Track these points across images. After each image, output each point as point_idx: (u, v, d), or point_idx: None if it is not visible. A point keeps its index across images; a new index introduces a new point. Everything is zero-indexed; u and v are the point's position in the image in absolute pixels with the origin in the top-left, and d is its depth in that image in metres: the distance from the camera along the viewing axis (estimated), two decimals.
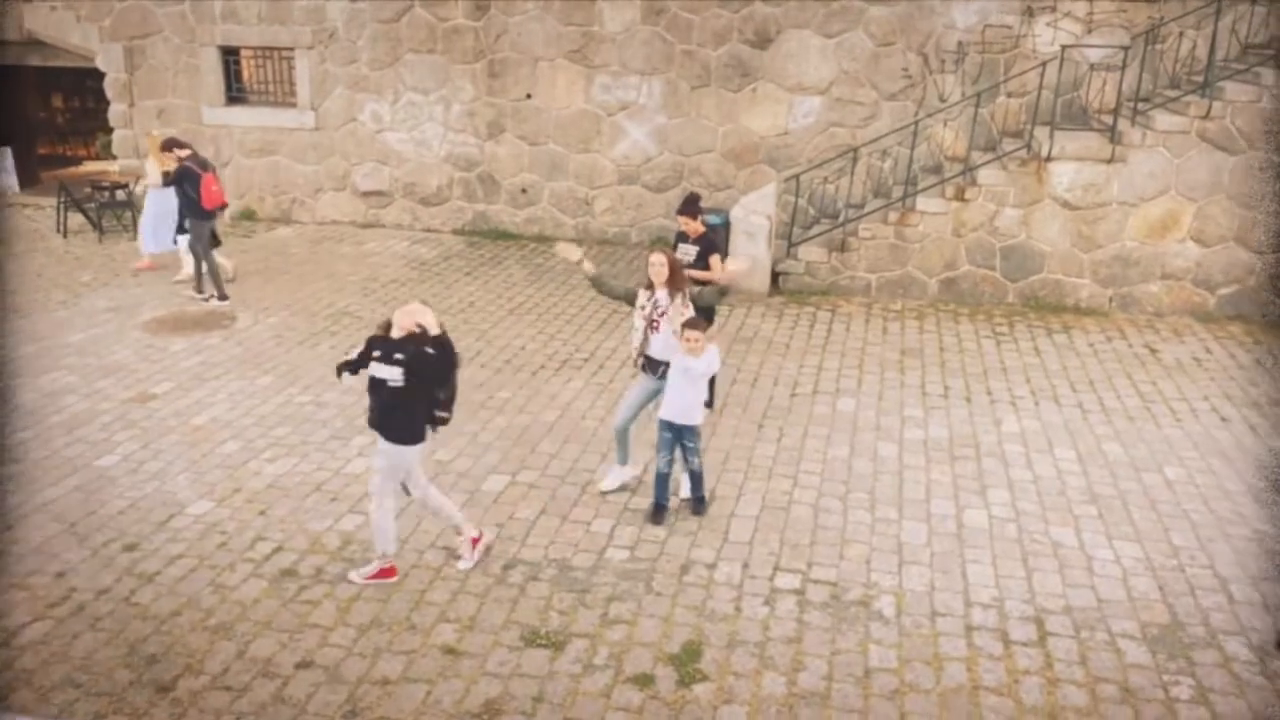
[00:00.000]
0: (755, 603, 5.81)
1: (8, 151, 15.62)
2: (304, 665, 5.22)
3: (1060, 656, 5.36)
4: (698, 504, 6.77)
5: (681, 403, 6.48)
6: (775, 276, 11.82)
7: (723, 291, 7.10)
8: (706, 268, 8.20)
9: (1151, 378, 9.37)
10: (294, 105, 14.36)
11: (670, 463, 6.62)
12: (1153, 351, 10.04)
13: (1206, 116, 10.52)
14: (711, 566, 6.17)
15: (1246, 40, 11.20)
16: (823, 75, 12.60)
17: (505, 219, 14.06)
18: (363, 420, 8.08)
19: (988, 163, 11.27)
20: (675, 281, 6.73)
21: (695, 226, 8.34)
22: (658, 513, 6.64)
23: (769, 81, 12.79)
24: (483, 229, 14.09)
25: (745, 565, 6.19)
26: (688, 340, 6.35)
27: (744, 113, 12.97)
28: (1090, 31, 11.69)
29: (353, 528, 6.53)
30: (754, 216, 11.65)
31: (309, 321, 10.43)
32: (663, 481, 6.63)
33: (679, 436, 6.57)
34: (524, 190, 13.91)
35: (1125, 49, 10.99)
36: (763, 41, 12.71)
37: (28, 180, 15.99)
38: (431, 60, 13.69)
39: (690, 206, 8.37)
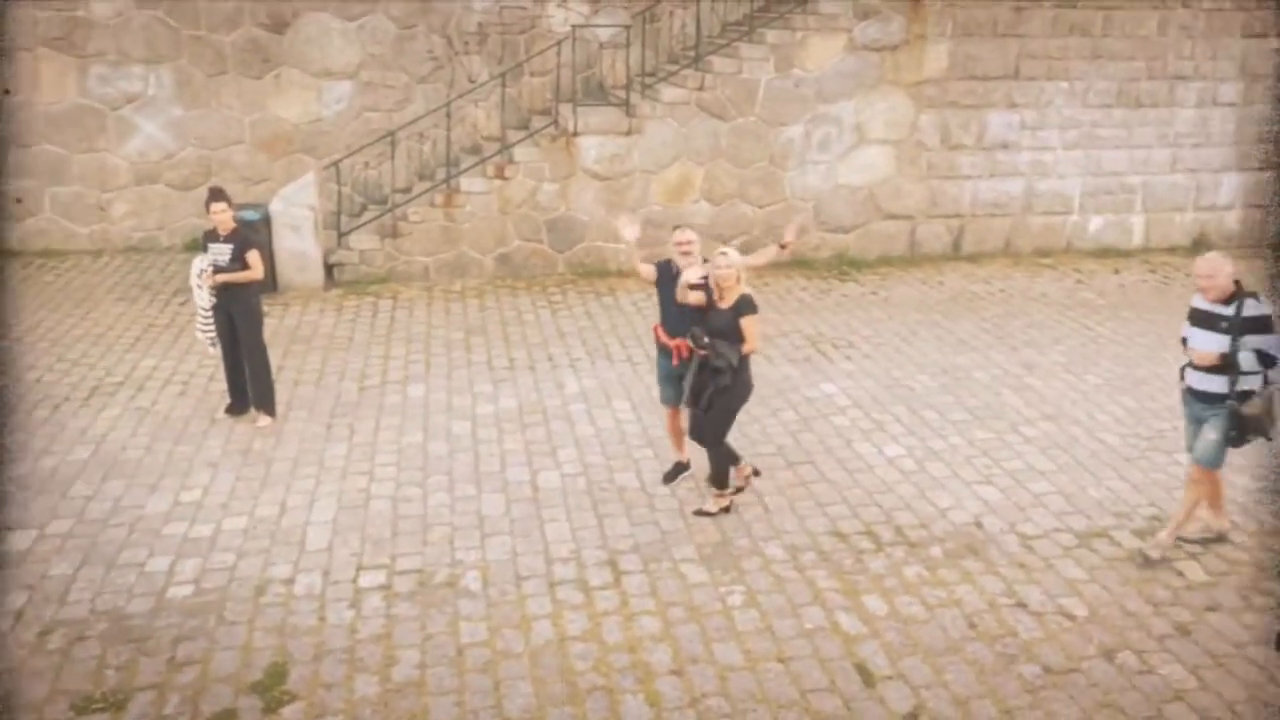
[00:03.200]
0: (340, 608, 5.61)
1: None
2: None
3: (634, 591, 5.79)
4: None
5: None
6: (329, 269, 11.42)
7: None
8: (245, 267, 7.70)
9: None
10: None
11: None
12: None
13: (701, 88, 11.77)
14: (289, 582, 5.86)
15: (725, 19, 12.67)
16: (349, 59, 12.29)
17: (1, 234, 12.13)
18: None
19: (521, 141, 11.73)
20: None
21: (225, 221, 7.73)
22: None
23: (293, 67, 12.23)
24: None
25: (326, 573, 5.95)
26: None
27: (271, 101, 12.30)
28: (596, 12, 12.55)
29: None
30: (296, 209, 11.13)
31: None
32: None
33: None
34: (19, 200, 12.09)
35: (628, 28, 11.95)
36: (279, 25, 12.10)
37: None
38: None
39: (219, 197, 7.75)
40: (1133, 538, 6.37)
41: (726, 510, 6.61)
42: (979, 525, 6.56)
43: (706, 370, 6.26)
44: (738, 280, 6.30)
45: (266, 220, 10.94)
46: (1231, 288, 5.79)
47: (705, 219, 12.19)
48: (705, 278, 6.40)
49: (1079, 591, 5.83)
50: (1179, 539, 6.21)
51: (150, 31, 11.89)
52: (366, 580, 5.88)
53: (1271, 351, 5.71)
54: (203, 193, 12.07)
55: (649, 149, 11.83)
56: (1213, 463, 5.95)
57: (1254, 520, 6.60)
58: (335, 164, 11.84)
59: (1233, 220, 13.23)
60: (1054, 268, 12.38)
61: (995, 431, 7.95)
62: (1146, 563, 6.05)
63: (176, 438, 7.62)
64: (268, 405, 7.91)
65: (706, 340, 6.22)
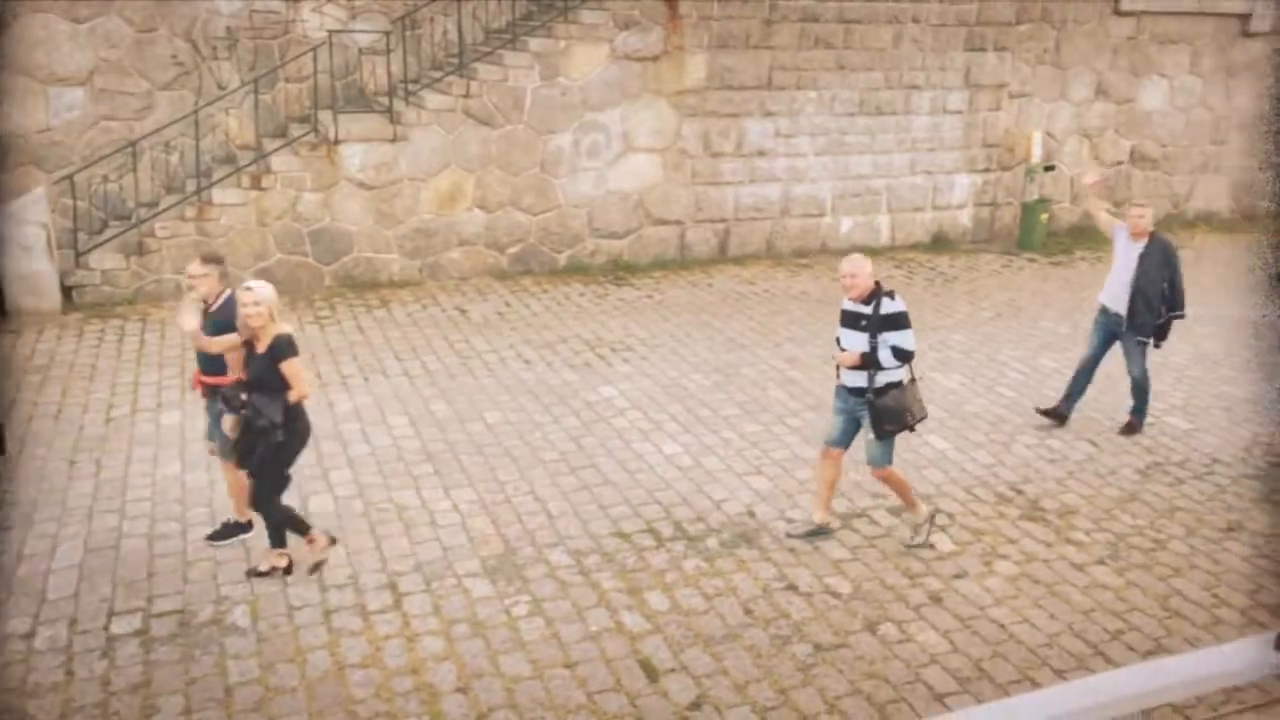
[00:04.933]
0: (90, 660, 5.16)
1: None
2: None
3: (415, 612, 5.66)
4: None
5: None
6: (67, 291, 10.48)
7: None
8: None
9: (465, 336, 10.25)
10: None
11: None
12: (463, 312, 10.99)
13: (467, 95, 11.67)
14: (29, 636, 5.33)
15: (488, 26, 12.62)
16: (80, 64, 11.33)
17: None
18: None
19: (278, 149, 11.21)
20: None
21: None
22: None
23: (16, 73, 11.13)
24: None
25: (72, 622, 5.46)
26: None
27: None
28: (354, 17, 12.18)
29: None
30: (27, 226, 10.16)
31: None
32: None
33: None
34: None
35: (388, 34, 11.68)
36: None
37: None
38: None
39: None
40: (890, 516, 6.85)
41: (288, 571, 5.89)
42: (751, 514, 6.86)
43: (253, 430, 5.56)
44: (271, 318, 5.54)
45: None
46: (871, 286, 6.12)
47: (480, 227, 12.09)
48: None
49: (843, 570, 6.21)
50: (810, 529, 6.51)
51: None
52: (119, 626, 5.44)
53: (906, 347, 6.07)
54: None
55: (416, 156, 11.60)
56: (880, 462, 6.27)
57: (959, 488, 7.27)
58: (69, 177, 10.88)
59: (965, 218, 14.49)
60: (811, 267, 13.13)
61: (763, 424, 8.33)
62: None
63: None
64: None
65: (242, 398, 5.54)
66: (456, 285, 11.88)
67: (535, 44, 11.88)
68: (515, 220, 12.25)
